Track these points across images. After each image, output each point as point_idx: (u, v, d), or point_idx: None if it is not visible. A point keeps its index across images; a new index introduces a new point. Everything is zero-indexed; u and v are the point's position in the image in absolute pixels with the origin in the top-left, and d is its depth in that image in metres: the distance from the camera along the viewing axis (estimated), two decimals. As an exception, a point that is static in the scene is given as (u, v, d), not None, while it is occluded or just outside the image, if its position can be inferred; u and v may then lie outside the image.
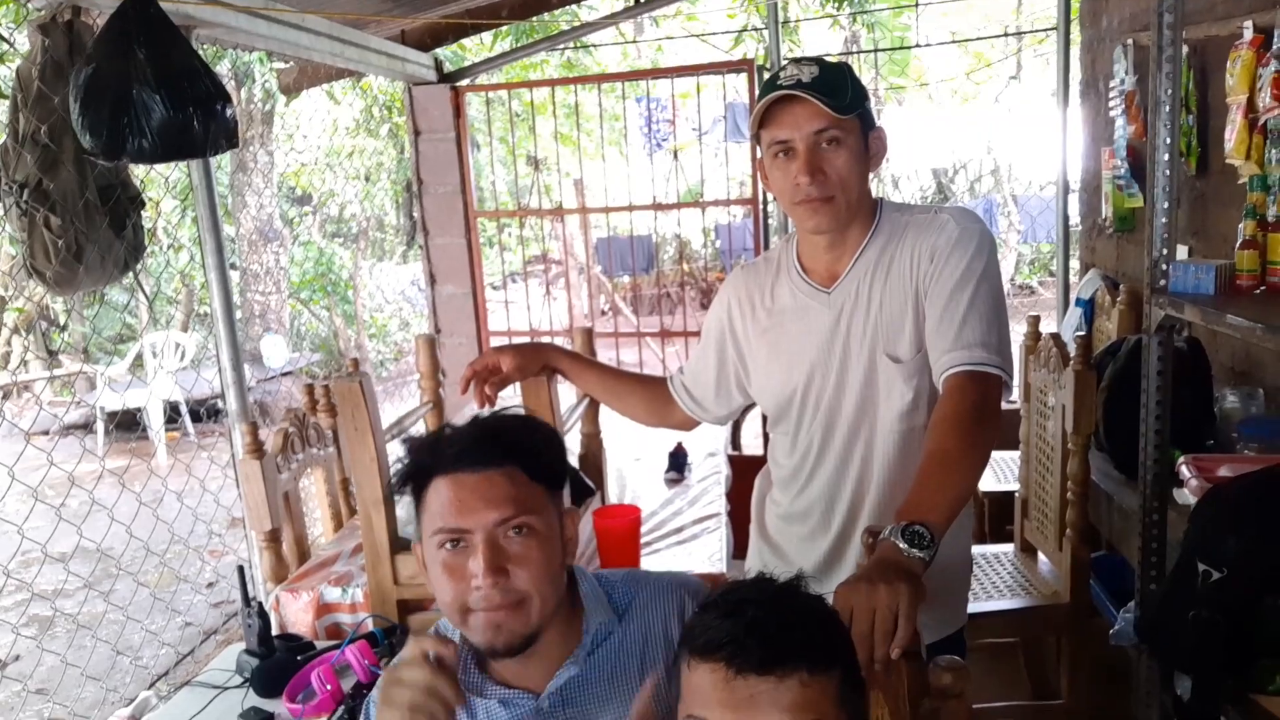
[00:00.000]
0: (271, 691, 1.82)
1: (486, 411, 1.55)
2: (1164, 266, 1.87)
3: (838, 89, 1.49)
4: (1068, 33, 4.19)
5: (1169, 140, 1.82)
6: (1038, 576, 2.64)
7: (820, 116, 1.49)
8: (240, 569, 1.98)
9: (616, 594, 1.29)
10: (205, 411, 7.14)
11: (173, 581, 4.20)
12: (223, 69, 7.16)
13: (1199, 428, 2.41)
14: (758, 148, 1.62)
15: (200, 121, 1.99)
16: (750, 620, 0.92)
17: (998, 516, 3.29)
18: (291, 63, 5.01)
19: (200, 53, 2.37)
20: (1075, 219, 4.42)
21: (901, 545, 1.24)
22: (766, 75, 4.26)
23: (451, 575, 1.17)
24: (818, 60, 1.54)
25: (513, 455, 1.20)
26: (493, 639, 1.17)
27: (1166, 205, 1.84)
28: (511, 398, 2.22)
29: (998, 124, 10.12)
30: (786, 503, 1.75)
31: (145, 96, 1.91)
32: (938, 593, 1.40)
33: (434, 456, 1.21)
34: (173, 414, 7.00)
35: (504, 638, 1.17)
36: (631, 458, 2.94)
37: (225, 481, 4.05)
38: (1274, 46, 2.37)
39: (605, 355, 3.37)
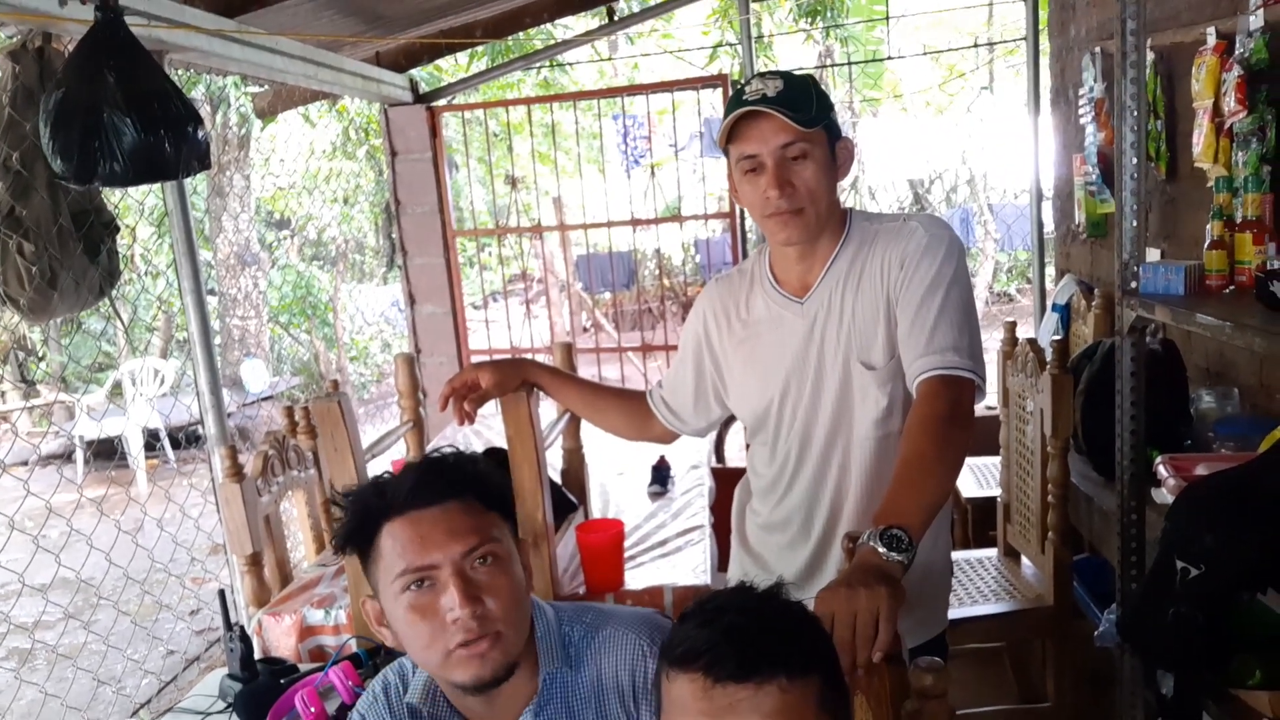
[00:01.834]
0: (255, 716, 1.80)
1: (467, 428, 1.55)
2: (1134, 268, 1.89)
3: (803, 102, 1.51)
4: (1037, 43, 4.24)
5: (1135, 144, 1.84)
6: (1021, 580, 2.66)
7: (786, 131, 1.50)
8: (222, 593, 1.96)
9: (575, 635, 1.25)
10: (185, 438, 7.08)
11: (155, 610, 4.16)
12: (197, 94, 7.15)
13: (1175, 428, 2.43)
14: (729, 163, 1.63)
15: (171, 143, 1.98)
16: (727, 627, 0.92)
17: (980, 522, 3.31)
18: (266, 86, 5.01)
19: (174, 78, 2.37)
20: (1050, 226, 4.47)
21: (880, 549, 1.24)
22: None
23: (424, 617, 1.13)
24: (782, 74, 1.56)
25: (466, 486, 1.19)
26: (479, 671, 1.14)
27: (1135, 208, 1.86)
28: (491, 415, 2.22)
29: (971, 134, 10.21)
30: (766, 512, 1.76)
31: (116, 119, 1.91)
32: (918, 596, 1.41)
33: (381, 501, 1.17)
34: (152, 441, 6.95)
35: (490, 667, 1.14)
36: (614, 471, 2.94)
37: (206, 507, 4.02)
38: (1236, 52, 2.41)
39: (587, 371, 3.37)
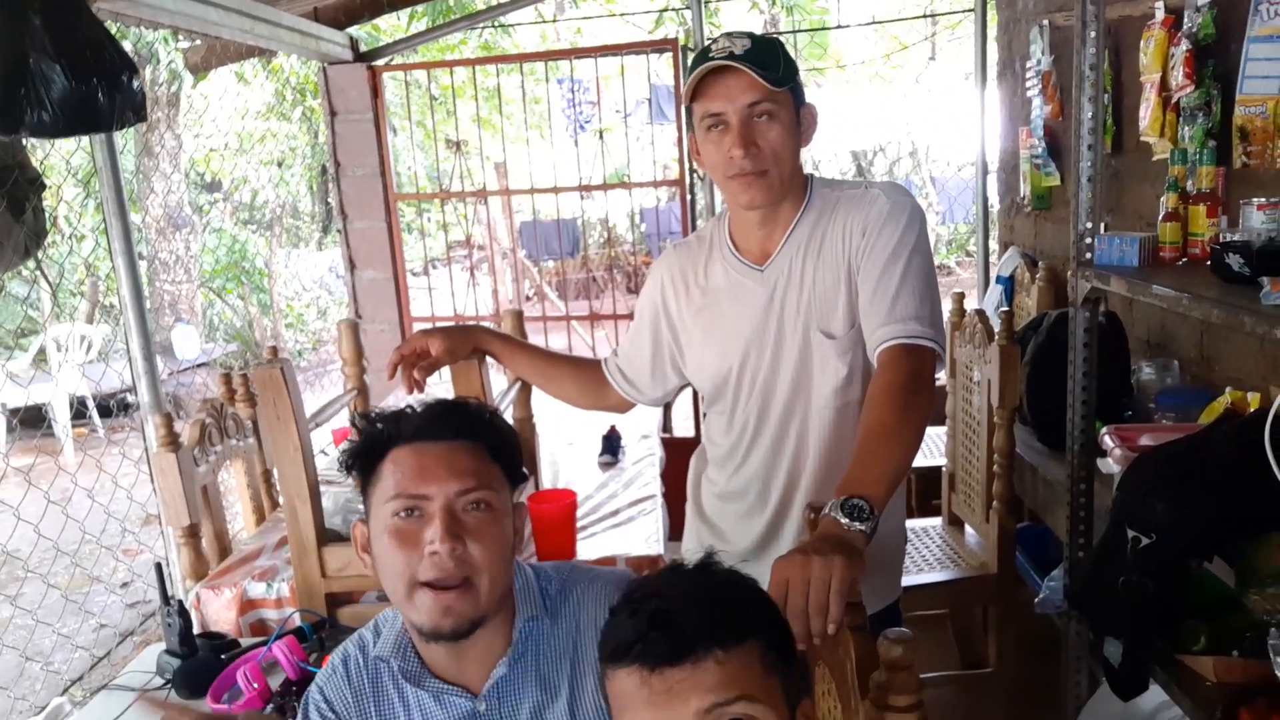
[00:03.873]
0: (195, 692, 1.75)
1: (415, 398, 1.51)
2: (1089, 240, 1.90)
3: (771, 61, 1.48)
4: (984, 14, 4.25)
5: (1091, 115, 1.84)
6: (965, 549, 2.69)
7: (754, 88, 1.47)
8: (158, 566, 1.89)
9: (551, 590, 1.26)
10: (115, 406, 6.87)
11: (85, 583, 4.04)
12: (124, 48, 6.86)
13: (1118, 399, 2.48)
14: (689, 123, 1.59)
15: (105, 93, 1.87)
16: (653, 614, 0.91)
17: (925, 491, 3.35)
18: (199, 40, 4.82)
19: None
20: (994, 199, 4.51)
21: (842, 519, 1.23)
22: (691, 55, 4.25)
23: (403, 544, 1.13)
24: (750, 34, 1.52)
25: (478, 431, 1.20)
26: (439, 621, 1.13)
27: (1090, 179, 1.87)
28: (440, 383, 2.16)
29: (916, 106, 10.28)
30: (723, 481, 1.74)
31: (44, 66, 1.79)
32: (875, 565, 1.40)
33: (395, 428, 1.19)
34: (80, 409, 6.73)
35: (451, 620, 1.13)
36: (565, 442, 2.91)
37: (139, 477, 3.90)
38: (1184, 26, 2.43)
39: (533, 340, 3.32)
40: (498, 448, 1.21)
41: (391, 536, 1.14)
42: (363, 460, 1.20)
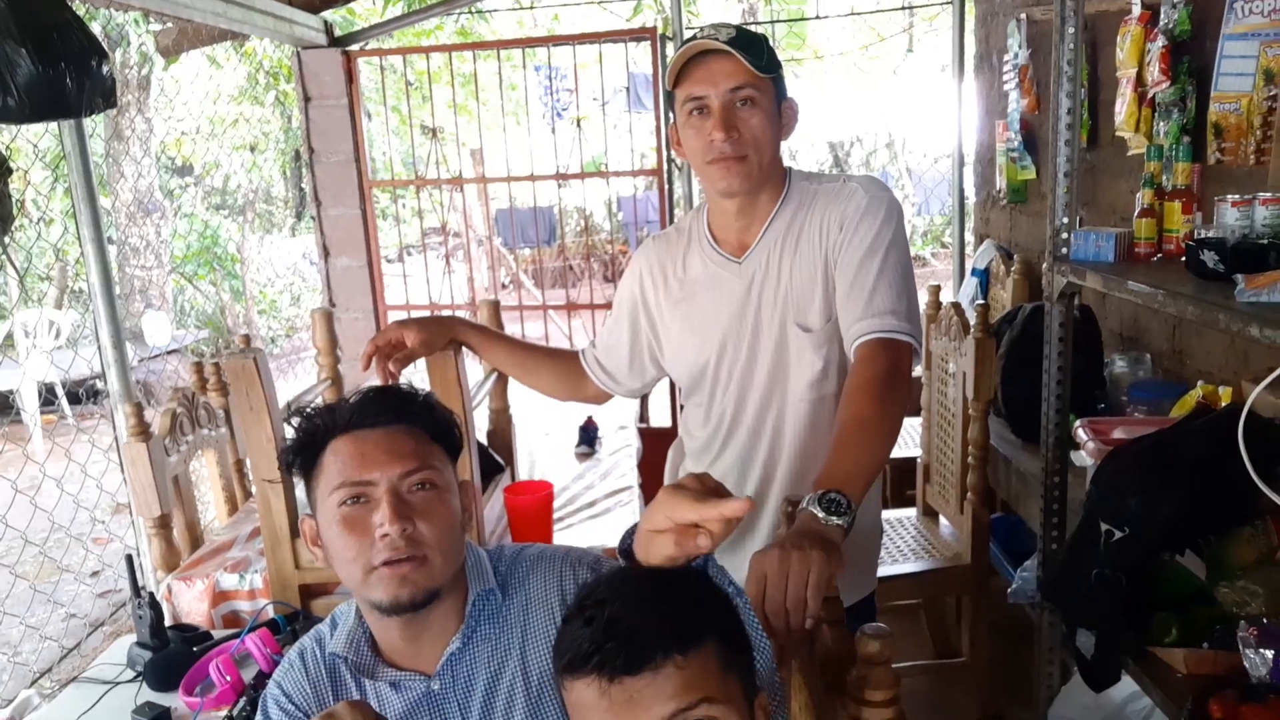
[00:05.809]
0: (167, 685, 1.74)
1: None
2: (1065, 235, 1.91)
3: (755, 49, 1.49)
4: (962, 7, 4.26)
5: (1068, 111, 1.85)
6: (939, 539, 2.71)
7: (738, 73, 1.48)
8: (129, 558, 1.87)
9: (503, 565, 1.27)
10: (84, 393, 6.78)
11: (54, 572, 3.98)
12: (94, 31, 6.75)
13: (1091, 392, 2.50)
14: (671, 113, 1.59)
15: (73, 78, 1.84)
16: (608, 623, 0.89)
17: (900, 482, 3.37)
18: (170, 23, 4.74)
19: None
20: (970, 191, 4.53)
21: (819, 514, 1.23)
22: (669, 44, 4.23)
23: (353, 530, 1.14)
24: (736, 26, 1.53)
25: (414, 413, 1.21)
26: (397, 591, 1.13)
27: (1067, 174, 1.87)
28: (415, 374, 2.15)
29: (893, 98, 10.30)
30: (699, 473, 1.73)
31: (9, 50, 1.75)
32: (850, 559, 1.41)
33: (331, 420, 1.19)
34: (49, 396, 6.64)
35: (409, 590, 1.14)
36: (541, 433, 2.90)
37: (109, 466, 3.84)
38: (1161, 22, 2.45)
39: (509, 330, 3.31)
40: (436, 427, 1.22)
41: (341, 525, 1.15)
42: (302, 456, 1.20)
